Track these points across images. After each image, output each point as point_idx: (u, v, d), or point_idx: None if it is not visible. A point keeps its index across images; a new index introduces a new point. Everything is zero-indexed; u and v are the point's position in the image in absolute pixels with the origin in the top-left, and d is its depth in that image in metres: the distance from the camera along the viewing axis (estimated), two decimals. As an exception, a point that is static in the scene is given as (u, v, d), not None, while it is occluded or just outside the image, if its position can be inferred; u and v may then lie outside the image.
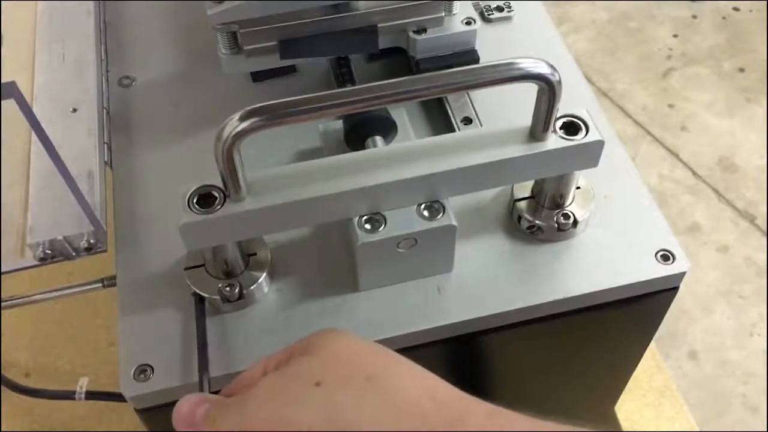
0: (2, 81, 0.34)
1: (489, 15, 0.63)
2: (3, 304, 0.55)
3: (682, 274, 0.49)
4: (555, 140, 0.44)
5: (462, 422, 0.31)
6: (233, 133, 0.38)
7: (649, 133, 1.40)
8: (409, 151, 0.44)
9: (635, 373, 0.62)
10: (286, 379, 0.33)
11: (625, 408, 0.85)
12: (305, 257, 0.49)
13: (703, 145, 1.38)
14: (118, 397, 0.45)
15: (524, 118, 0.44)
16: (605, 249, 0.49)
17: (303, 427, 0.30)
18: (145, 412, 0.45)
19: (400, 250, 0.45)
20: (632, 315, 0.52)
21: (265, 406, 0.32)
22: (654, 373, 0.89)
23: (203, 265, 0.46)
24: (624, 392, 0.67)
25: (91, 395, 0.63)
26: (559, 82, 0.41)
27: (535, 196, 0.49)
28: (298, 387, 0.32)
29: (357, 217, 0.44)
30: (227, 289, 0.45)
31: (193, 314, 0.45)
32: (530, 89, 0.42)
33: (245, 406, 0.33)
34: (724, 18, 1.60)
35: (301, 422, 0.31)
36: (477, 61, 0.54)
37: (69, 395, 0.63)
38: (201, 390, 0.42)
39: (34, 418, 0.83)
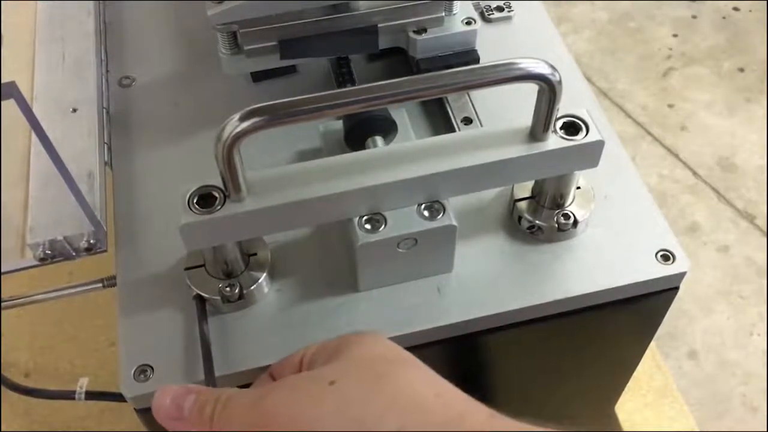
0: (2, 81, 0.34)
1: (489, 15, 0.63)
2: (3, 304, 0.55)
3: (683, 274, 0.49)
4: (555, 140, 0.44)
5: (462, 420, 0.32)
6: (233, 133, 0.38)
7: (649, 133, 1.40)
8: (409, 151, 0.44)
9: (635, 373, 0.62)
10: (304, 380, 0.35)
11: (625, 408, 0.85)
12: (305, 257, 0.49)
13: (703, 144, 1.38)
14: (118, 397, 0.45)
15: (524, 118, 0.44)
16: (605, 249, 0.49)
17: (313, 419, 0.32)
18: (145, 412, 0.45)
19: (400, 250, 0.45)
20: (632, 315, 0.52)
21: (280, 402, 0.33)
22: (654, 373, 0.89)
23: (203, 266, 0.46)
24: (624, 392, 0.67)
25: (91, 395, 0.63)
26: (560, 82, 0.41)
27: (535, 197, 0.49)
28: (313, 386, 0.33)
29: (357, 218, 0.44)
30: (227, 289, 0.45)
31: (193, 314, 0.45)
32: (530, 89, 0.42)
33: (260, 402, 0.34)
34: (724, 18, 1.60)
35: (311, 415, 0.32)
36: (477, 61, 0.54)
37: (69, 395, 0.63)
38: (207, 384, 0.42)
39: (34, 418, 0.83)
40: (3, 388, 0.68)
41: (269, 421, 0.32)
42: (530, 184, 0.50)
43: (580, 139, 0.44)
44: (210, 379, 0.42)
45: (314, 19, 0.51)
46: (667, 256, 0.49)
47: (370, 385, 0.33)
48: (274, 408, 0.33)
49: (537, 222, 0.49)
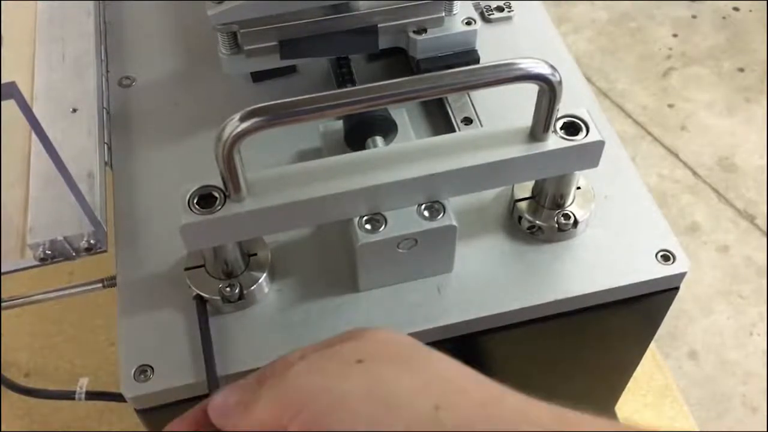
0: (2, 81, 0.34)
1: (489, 15, 0.63)
2: (3, 304, 0.55)
3: (683, 274, 0.49)
4: (555, 140, 0.44)
5: (500, 402, 0.31)
6: (233, 133, 0.38)
7: (649, 133, 1.40)
8: (409, 152, 0.44)
9: (635, 373, 0.62)
10: (326, 358, 0.33)
11: (625, 408, 0.85)
12: (305, 257, 0.49)
13: (703, 144, 1.38)
14: (118, 397, 0.45)
15: (524, 118, 0.44)
16: (605, 249, 0.49)
17: (344, 395, 0.30)
18: (145, 413, 0.45)
19: (400, 250, 0.45)
20: (632, 315, 0.52)
21: (306, 378, 0.31)
22: (654, 373, 0.89)
23: (203, 266, 0.46)
24: (624, 392, 0.67)
25: (91, 395, 0.63)
26: (560, 82, 0.41)
27: (535, 197, 0.49)
28: (339, 363, 0.32)
29: (357, 218, 0.44)
30: (227, 289, 0.45)
31: (193, 314, 0.45)
32: (530, 89, 0.42)
33: (283, 383, 0.32)
34: (724, 18, 1.60)
35: (342, 391, 0.30)
36: (477, 61, 0.54)
37: (69, 395, 0.63)
38: (208, 389, 0.42)
39: (34, 418, 0.83)
40: (3, 388, 0.68)
41: (293, 395, 0.31)
42: (530, 184, 0.50)
43: (580, 139, 0.44)
44: (212, 380, 0.42)
45: (314, 19, 0.51)
46: (667, 257, 0.49)
47: (400, 365, 0.31)
48: (296, 382, 0.31)
49: (537, 222, 0.49)
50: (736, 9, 1.61)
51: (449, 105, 0.56)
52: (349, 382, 0.31)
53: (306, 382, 0.31)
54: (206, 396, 0.42)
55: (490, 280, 0.48)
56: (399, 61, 0.58)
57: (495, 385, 0.33)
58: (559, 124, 0.44)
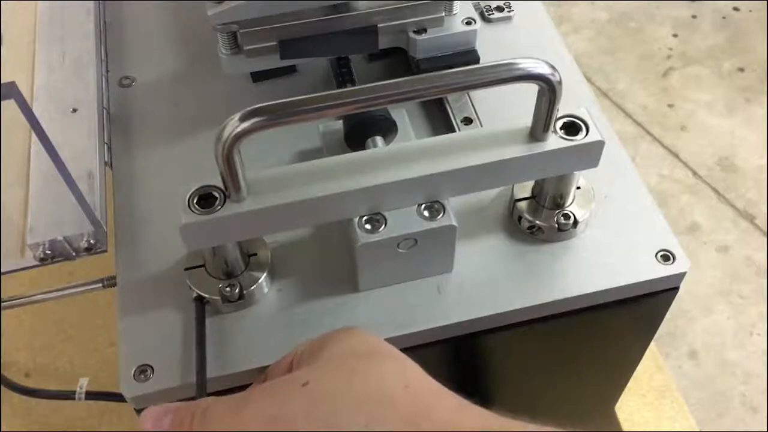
0: (2, 81, 0.34)
1: (489, 15, 0.63)
2: (3, 304, 0.55)
3: (683, 274, 0.49)
4: (555, 140, 0.44)
5: (427, 415, 0.32)
6: (233, 133, 0.38)
7: (648, 133, 1.40)
8: (409, 152, 0.44)
9: (635, 373, 0.62)
10: (280, 384, 0.35)
11: (625, 408, 0.85)
12: (305, 257, 0.49)
13: (702, 145, 1.38)
14: (118, 397, 0.45)
15: (524, 118, 0.44)
16: (605, 249, 0.49)
17: (286, 420, 0.32)
18: (145, 413, 0.45)
19: (400, 250, 0.45)
20: (632, 315, 0.52)
21: (256, 405, 0.33)
22: (654, 373, 0.89)
23: (203, 266, 0.46)
24: (624, 392, 0.67)
25: (91, 395, 0.63)
26: (560, 82, 0.41)
27: (535, 197, 0.49)
28: (287, 389, 0.33)
29: (357, 218, 0.44)
30: (227, 289, 0.45)
31: (193, 314, 0.45)
32: (530, 89, 0.42)
33: (238, 408, 0.34)
34: (724, 18, 1.60)
35: (284, 417, 0.32)
36: (477, 61, 0.54)
37: (69, 395, 0.63)
38: (199, 391, 0.42)
39: (34, 418, 0.83)
40: (3, 388, 0.68)
41: (247, 424, 0.32)
42: (530, 184, 0.50)
43: (580, 139, 0.44)
44: (201, 381, 0.42)
45: (314, 19, 0.51)
46: (667, 256, 0.49)
47: (341, 383, 0.33)
48: (250, 412, 0.33)
49: (537, 222, 0.49)
50: (736, 9, 1.61)
51: (449, 105, 0.56)
52: (290, 406, 0.32)
53: (253, 411, 0.33)
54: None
55: (490, 280, 0.48)
56: (399, 61, 0.58)
57: (430, 393, 0.33)
58: (559, 124, 0.44)
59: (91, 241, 0.47)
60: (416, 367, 0.35)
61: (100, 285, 0.53)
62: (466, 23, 0.54)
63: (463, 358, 0.51)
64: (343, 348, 0.36)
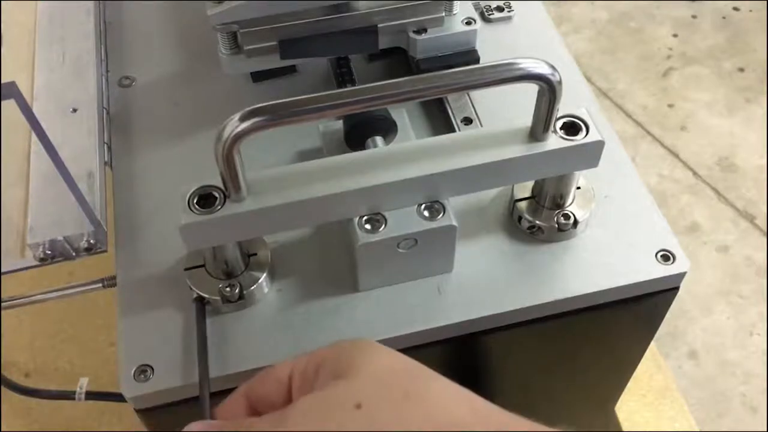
0: (2, 81, 0.34)
1: (489, 15, 0.63)
2: (3, 304, 0.55)
3: (683, 274, 0.49)
4: (555, 140, 0.44)
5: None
6: (233, 133, 0.38)
7: (648, 133, 1.40)
8: (409, 152, 0.44)
9: (635, 373, 0.62)
10: (325, 404, 0.32)
11: (625, 408, 0.85)
12: (305, 257, 0.49)
13: (702, 144, 1.38)
14: (118, 398, 0.45)
15: (524, 118, 0.44)
16: (605, 249, 0.49)
17: None
18: (145, 413, 0.45)
19: (400, 250, 0.45)
20: (632, 315, 0.52)
21: (305, 428, 0.31)
22: (654, 373, 0.89)
23: (203, 266, 0.46)
24: (624, 392, 0.67)
25: (91, 395, 0.63)
26: (560, 82, 0.41)
27: (535, 197, 0.49)
28: (339, 411, 0.31)
29: (357, 218, 0.44)
30: (227, 289, 0.45)
31: (193, 314, 0.45)
32: (530, 89, 0.42)
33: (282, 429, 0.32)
34: (724, 18, 1.60)
35: None
36: (477, 61, 0.54)
37: (69, 395, 0.63)
38: (201, 394, 0.42)
39: (34, 418, 0.83)
40: (3, 388, 0.68)
41: None
42: (530, 184, 0.50)
43: (580, 139, 0.44)
44: (204, 380, 0.42)
45: (314, 19, 0.51)
46: (667, 256, 0.49)
47: (399, 406, 0.31)
48: None
49: (537, 222, 0.49)
50: (736, 9, 1.61)
51: (449, 105, 0.56)
52: (349, 428, 0.30)
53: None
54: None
55: (490, 280, 0.48)
56: (399, 61, 0.58)
57: (498, 413, 0.32)
58: (559, 124, 0.44)
59: (91, 241, 0.47)
60: (458, 384, 0.33)
61: (100, 285, 0.53)
62: (466, 23, 0.54)
63: (463, 358, 0.51)
64: (381, 364, 0.33)
